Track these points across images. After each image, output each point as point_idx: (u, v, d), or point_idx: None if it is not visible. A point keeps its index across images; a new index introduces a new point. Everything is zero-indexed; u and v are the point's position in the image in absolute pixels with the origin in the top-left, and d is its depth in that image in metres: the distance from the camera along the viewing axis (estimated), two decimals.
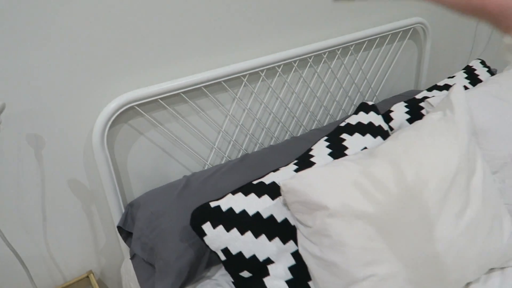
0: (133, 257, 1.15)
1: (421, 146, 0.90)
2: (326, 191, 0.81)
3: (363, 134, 1.10)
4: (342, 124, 1.15)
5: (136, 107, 1.12)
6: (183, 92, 1.20)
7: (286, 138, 1.51)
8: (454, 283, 0.85)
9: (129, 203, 1.18)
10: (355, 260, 0.78)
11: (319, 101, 1.56)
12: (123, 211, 1.18)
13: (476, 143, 0.99)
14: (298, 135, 1.50)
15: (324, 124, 1.61)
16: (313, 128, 1.58)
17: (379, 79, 1.73)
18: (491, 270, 0.98)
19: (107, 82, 1.07)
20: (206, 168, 1.33)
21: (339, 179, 0.83)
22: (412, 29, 1.72)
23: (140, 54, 1.10)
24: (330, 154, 1.04)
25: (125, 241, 1.19)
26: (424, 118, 1.00)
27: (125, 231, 1.18)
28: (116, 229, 1.18)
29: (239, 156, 1.38)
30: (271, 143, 1.47)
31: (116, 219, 1.17)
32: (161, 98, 1.16)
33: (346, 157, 0.94)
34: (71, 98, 1.04)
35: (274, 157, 1.28)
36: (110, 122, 1.07)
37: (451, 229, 0.83)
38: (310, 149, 1.09)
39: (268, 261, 0.91)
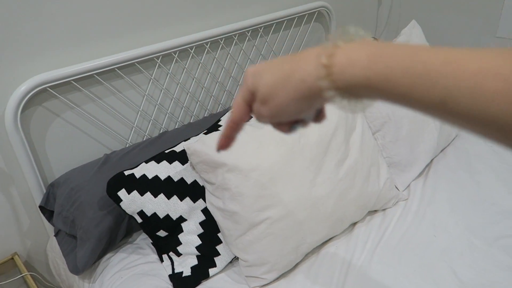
0: (57, 233, 1.20)
1: None
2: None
3: None
4: None
5: (49, 89, 1.16)
6: (98, 74, 1.25)
7: (205, 116, 1.61)
8: (338, 221, 1.01)
9: (50, 183, 1.22)
10: (251, 207, 0.91)
11: (235, 81, 1.67)
12: (44, 191, 1.22)
13: None
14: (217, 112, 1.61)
15: None
16: (231, 105, 1.70)
17: None
18: (375, 211, 1.17)
19: (17, 64, 1.10)
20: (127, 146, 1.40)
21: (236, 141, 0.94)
22: (317, 12, 1.88)
23: (51, 35, 1.14)
24: None
25: (48, 221, 1.23)
26: None
27: (48, 211, 1.22)
28: (39, 209, 1.22)
29: None
30: (191, 121, 1.57)
31: (38, 200, 1.21)
32: (75, 80, 1.21)
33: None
34: None
35: (191, 132, 1.38)
36: (22, 105, 1.10)
37: (332, 175, 0.99)
38: (219, 120, 1.20)
39: (181, 219, 1.01)
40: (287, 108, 0.35)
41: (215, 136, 0.96)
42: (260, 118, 0.38)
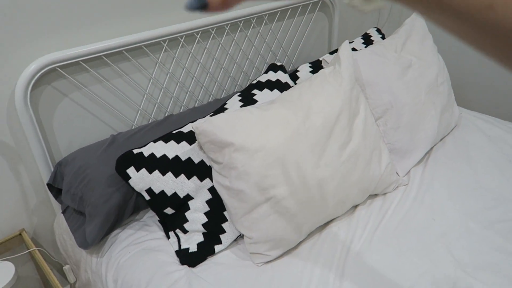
0: (64, 210, 1.23)
1: (312, 93, 1.07)
2: (232, 130, 0.95)
3: (271, 90, 1.26)
4: (254, 82, 1.29)
5: (59, 69, 1.18)
6: (106, 56, 1.27)
7: (209, 101, 1.63)
8: (340, 203, 1.05)
9: (57, 162, 1.24)
10: (257, 186, 0.94)
11: (239, 67, 1.69)
12: (52, 170, 1.24)
13: (360, 91, 1.19)
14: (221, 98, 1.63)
15: None
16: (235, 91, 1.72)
17: (294, 48, 1.90)
18: (376, 195, 1.20)
19: (27, 43, 1.12)
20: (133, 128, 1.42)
21: (242, 120, 0.97)
22: (320, 2, 1.90)
23: (61, 15, 1.15)
24: (241, 107, 1.19)
25: (56, 199, 1.26)
26: (318, 72, 1.17)
27: (55, 189, 1.24)
28: (46, 187, 1.25)
29: None
30: (195, 106, 1.59)
31: (46, 178, 1.23)
32: (83, 61, 1.23)
33: (251, 105, 1.09)
34: None
35: (196, 116, 1.40)
36: (32, 83, 1.12)
37: (336, 158, 1.02)
38: (225, 104, 1.22)
39: (188, 197, 1.04)
40: None
41: (222, 117, 0.98)
42: None
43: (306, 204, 0.98)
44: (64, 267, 1.26)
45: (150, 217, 1.14)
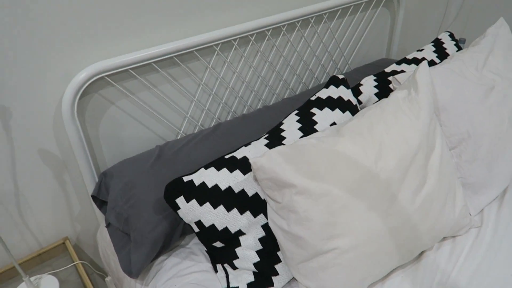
0: (108, 225, 1.18)
1: (384, 125, 0.94)
2: (294, 169, 0.85)
3: (333, 109, 1.13)
4: (313, 98, 1.17)
5: (107, 78, 1.10)
6: (155, 62, 1.18)
7: (258, 107, 1.52)
8: (408, 253, 0.94)
9: (102, 172, 1.19)
10: (319, 234, 0.85)
11: (292, 70, 1.57)
12: (97, 179, 1.19)
13: (436, 121, 1.05)
14: (271, 103, 1.52)
15: (297, 93, 1.63)
16: (285, 96, 1.60)
17: (352, 47, 1.75)
18: (444, 238, 1.08)
19: (76, 52, 1.04)
20: (179, 136, 1.34)
21: (306, 157, 0.86)
22: None
23: (109, 23, 1.06)
24: (300, 129, 1.08)
25: (99, 209, 1.21)
26: (390, 96, 1.04)
27: (99, 200, 1.20)
28: (90, 197, 1.20)
29: (212, 124, 1.40)
30: (244, 112, 1.49)
31: (90, 187, 1.19)
32: (132, 68, 1.14)
33: (313, 134, 0.97)
34: (38, 68, 1.01)
35: (247, 126, 1.30)
36: (80, 93, 1.05)
37: (408, 205, 0.90)
38: (281, 123, 1.11)
39: (240, 233, 0.96)
40: None
41: (283, 151, 0.88)
42: None
43: (372, 256, 0.87)
44: (106, 279, 1.24)
45: (196, 244, 1.08)
